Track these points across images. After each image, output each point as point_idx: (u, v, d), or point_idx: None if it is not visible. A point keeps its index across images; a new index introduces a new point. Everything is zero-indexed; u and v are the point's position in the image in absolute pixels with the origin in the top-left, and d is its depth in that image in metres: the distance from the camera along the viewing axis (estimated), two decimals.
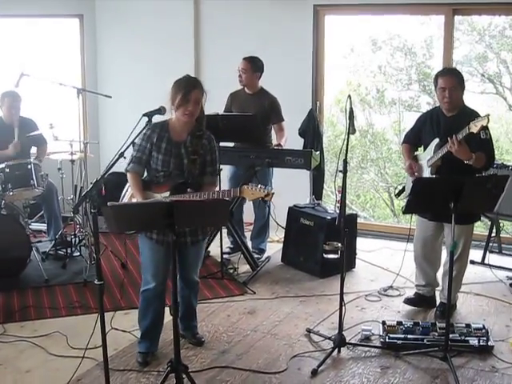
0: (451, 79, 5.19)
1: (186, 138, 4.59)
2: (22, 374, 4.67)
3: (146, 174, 4.70)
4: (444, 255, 5.52)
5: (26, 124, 7.12)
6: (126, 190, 4.82)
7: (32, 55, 8.68)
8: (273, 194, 4.27)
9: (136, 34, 8.73)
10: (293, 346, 5.06)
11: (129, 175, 4.65)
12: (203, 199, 4.24)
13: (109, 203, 3.66)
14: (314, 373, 4.62)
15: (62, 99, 8.39)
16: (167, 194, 4.46)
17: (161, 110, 4.27)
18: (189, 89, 4.43)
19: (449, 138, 4.95)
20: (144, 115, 4.15)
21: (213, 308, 5.76)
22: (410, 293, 5.91)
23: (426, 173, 5.34)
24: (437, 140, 5.25)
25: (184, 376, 4.11)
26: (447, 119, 5.26)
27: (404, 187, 5.78)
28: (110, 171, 3.92)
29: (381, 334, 5.11)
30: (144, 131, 4.45)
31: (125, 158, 4.00)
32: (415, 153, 5.64)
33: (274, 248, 7.26)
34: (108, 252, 6.91)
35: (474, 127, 4.75)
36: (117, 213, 3.79)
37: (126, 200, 4.74)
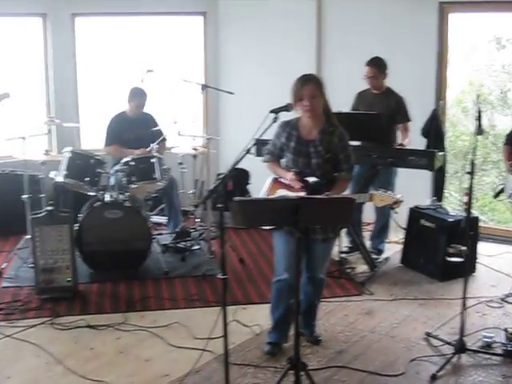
0: None
1: (315, 137, 4.58)
2: (142, 363, 4.77)
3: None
4: None
5: (147, 119, 7.30)
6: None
7: (157, 52, 8.87)
8: (401, 201, 4.21)
9: (258, 31, 8.78)
10: (411, 350, 4.95)
11: (267, 165, 4.81)
12: (328, 197, 4.22)
13: (235, 198, 3.68)
14: (434, 378, 4.50)
15: (185, 95, 8.56)
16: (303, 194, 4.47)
17: (287, 107, 4.25)
18: (302, 84, 4.46)
19: None
20: (271, 112, 4.14)
21: (330, 307, 5.72)
22: None
23: None
24: None
25: (302, 374, 4.10)
26: None
27: (502, 188, 5.62)
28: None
29: (503, 341, 4.94)
30: (276, 128, 4.52)
31: (252, 154, 4.01)
32: None
33: (392, 249, 7.15)
34: (227, 247, 6.97)
35: None
36: (243, 208, 3.80)
37: (264, 195, 4.80)
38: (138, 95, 7.21)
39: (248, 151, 3.89)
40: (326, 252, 4.78)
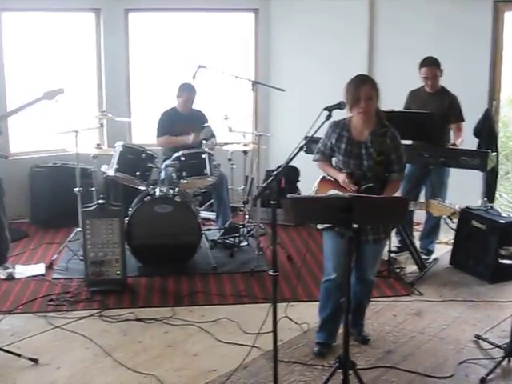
0: None
1: (367, 138, 4.54)
2: (190, 357, 4.80)
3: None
4: None
5: (198, 116, 7.35)
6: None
7: (209, 48, 8.91)
8: (459, 212, 4.15)
9: (309, 29, 8.75)
10: (460, 352, 4.89)
11: (317, 164, 4.79)
12: (382, 197, 4.18)
13: (288, 195, 3.67)
14: (483, 381, 4.43)
15: (235, 92, 8.58)
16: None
17: (340, 105, 4.21)
18: (358, 86, 4.39)
19: None
20: (325, 109, 4.11)
21: (379, 306, 5.68)
22: None
23: None
24: None
25: (350, 373, 4.07)
26: None
27: None
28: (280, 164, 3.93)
29: None
30: (326, 128, 4.50)
31: (305, 151, 4.00)
32: None
33: (442, 249, 7.07)
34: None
35: None
36: (296, 205, 3.79)
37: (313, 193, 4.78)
38: (186, 90, 7.25)
39: (301, 149, 3.87)
40: (376, 253, 4.75)
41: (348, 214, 3.64)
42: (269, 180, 3.67)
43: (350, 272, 3.97)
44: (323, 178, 4.78)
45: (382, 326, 5.32)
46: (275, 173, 3.69)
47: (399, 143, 4.60)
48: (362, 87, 4.39)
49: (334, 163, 4.75)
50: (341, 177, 4.55)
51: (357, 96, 4.38)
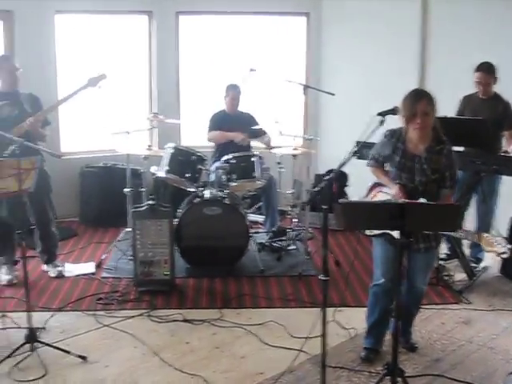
0: None
1: (422, 153, 4.46)
2: (237, 360, 4.80)
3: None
4: None
5: (247, 118, 7.39)
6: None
7: (259, 51, 8.93)
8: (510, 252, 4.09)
9: (360, 32, 8.71)
10: (510, 362, 4.80)
11: (370, 170, 4.73)
12: (435, 203, 4.15)
13: (340, 200, 3.65)
14: None
15: (285, 95, 8.58)
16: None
17: (394, 110, 4.18)
18: (414, 101, 4.31)
19: None
20: (378, 114, 4.09)
21: (427, 314, 5.61)
22: None
23: None
24: None
25: (398, 380, 4.04)
26: None
27: None
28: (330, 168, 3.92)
29: None
30: (382, 136, 4.46)
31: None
32: None
33: (491, 258, 6.97)
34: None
35: None
36: (348, 210, 3.77)
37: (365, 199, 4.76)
38: (231, 88, 7.39)
39: (355, 153, 3.87)
40: (427, 262, 4.69)
41: (401, 220, 3.61)
42: (321, 184, 3.66)
43: (400, 279, 3.93)
44: (377, 184, 4.74)
45: (430, 334, 5.27)
46: (327, 177, 3.67)
47: (454, 160, 4.50)
48: (419, 103, 4.30)
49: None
50: (394, 189, 4.50)
51: (413, 111, 4.29)
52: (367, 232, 4.56)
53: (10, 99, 6.01)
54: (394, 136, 4.51)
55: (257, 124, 7.38)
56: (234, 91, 7.38)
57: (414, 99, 4.32)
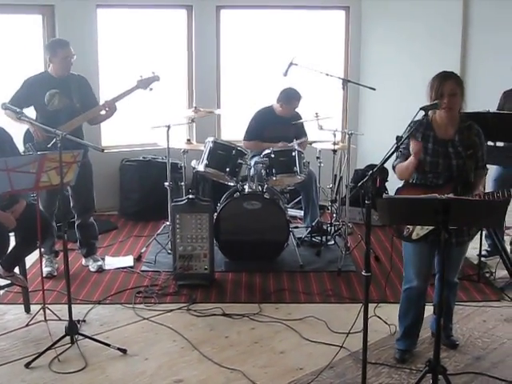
0: None
1: (453, 136, 4.41)
2: (277, 355, 4.79)
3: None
4: None
5: (293, 118, 7.31)
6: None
7: (299, 45, 8.89)
8: None
9: (401, 26, 8.64)
10: None
11: (397, 168, 4.53)
12: (480, 199, 4.08)
13: (384, 195, 3.61)
14: None
15: (325, 90, 8.54)
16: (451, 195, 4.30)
17: (437, 104, 4.14)
18: (442, 81, 4.26)
19: None
20: (421, 109, 4.04)
21: (468, 311, 5.56)
22: None
23: None
24: None
25: (439, 377, 4.00)
26: None
27: None
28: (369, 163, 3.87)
29: None
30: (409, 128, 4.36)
31: (401, 152, 3.93)
32: None
33: None
34: (362, 244, 6.88)
35: None
36: (391, 205, 3.73)
37: None
38: (294, 100, 7.25)
39: (397, 149, 3.82)
40: (460, 255, 4.62)
41: (444, 216, 3.56)
42: (364, 179, 3.62)
43: (443, 274, 3.88)
44: (406, 185, 4.65)
45: (471, 331, 5.20)
46: (371, 172, 3.63)
47: (483, 140, 4.46)
48: (446, 83, 4.26)
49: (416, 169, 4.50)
50: (412, 146, 4.31)
51: (440, 92, 4.25)
52: (414, 236, 4.42)
53: (60, 87, 6.03)
54: (421, 125, 4.39)
55: (301, 118, 7.33)
56: (296, 103, 7.27)
57: (441, 79, 4.28)
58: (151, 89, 6.23)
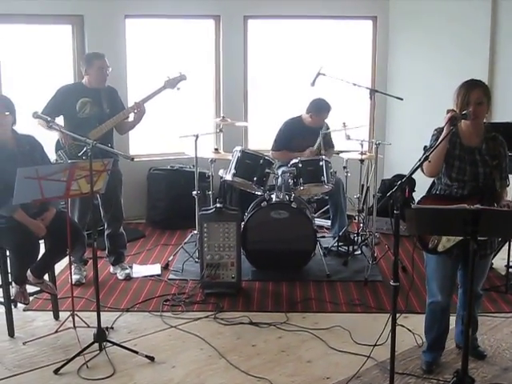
0: None
1: (479, 144, 4.39)
2: (303, 364, 4.79)
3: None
4: None
5: (321, 127, 7.31)
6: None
7: (326, 55, 8.90)
8: None
9: (428, 35, 8.63)
10: None
11: (426, 170, 4.44)
12: (510, 209, 4.06)
13: (413, 205, 3.61)
14: None
15: (353, 99, 8.54)
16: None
17: (466, 115, 4.13)
18: (469, 90, 4.24)
19: None
20: (452, 125, 4.04)
21: (495, 322, 5.52)
22: None
23: None
24: None
25: None
26: None
27: None
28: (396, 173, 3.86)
29: None
30: (435, 135, 4.35)
31: (429, 161, 3.92)
32: None
33: None
34: (389, 254, 6.87)
35: None
36: (420, 215, 3.73)
37: None
38: (324, 111, 7.23)
39: (426, 158, 3.82)
40: (483, 268, 4.57)
41: (473, 227, 3.55)
42: (393, 189, 3.63)
43: (472, 291, 3.85)
44: (429, 196, 4.63)
45: (499, 343, 5.17)
46: (400, 182, 3.63)
47: (507, 152, 4.44)
48: (473, 91, 4.24)
49: (442, 175, 4.49)
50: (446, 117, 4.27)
51: (467, 100, 4.22)
52: (440, 248, 4.36)
53: (91, 96, 6.11)
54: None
55: (329, 133, 7.35)
56: (325, 115, 7.25)
57: (468, 88, 4.25)
58: (178, 88, 6.29)
